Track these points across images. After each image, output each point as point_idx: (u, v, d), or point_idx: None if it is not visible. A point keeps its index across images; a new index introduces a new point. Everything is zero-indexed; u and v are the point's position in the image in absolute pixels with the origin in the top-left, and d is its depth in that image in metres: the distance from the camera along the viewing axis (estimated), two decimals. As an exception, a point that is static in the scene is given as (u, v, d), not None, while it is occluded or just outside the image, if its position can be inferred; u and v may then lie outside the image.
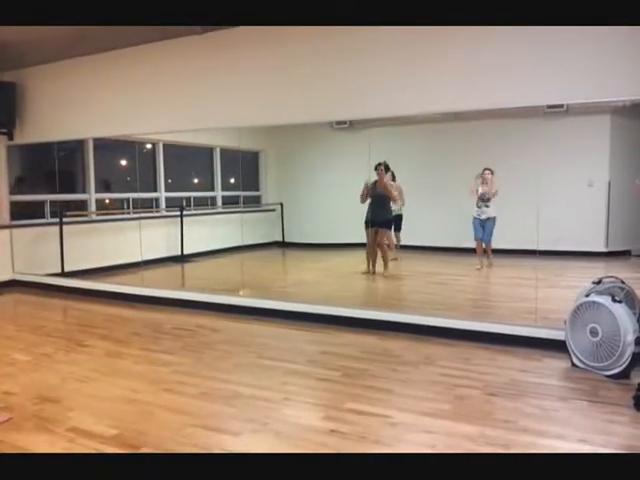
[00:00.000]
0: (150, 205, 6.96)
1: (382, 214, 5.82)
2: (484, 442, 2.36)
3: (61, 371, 3.38)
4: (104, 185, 7.16)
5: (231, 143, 6.10)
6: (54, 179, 6.47)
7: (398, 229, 6.26)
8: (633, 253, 5.35)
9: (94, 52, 5.41)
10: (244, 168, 6.59)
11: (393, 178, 5.99)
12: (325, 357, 3.62)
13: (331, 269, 6.87)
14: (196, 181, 7.95)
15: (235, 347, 3.88)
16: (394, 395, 2.92)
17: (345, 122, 5.21)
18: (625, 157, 5.34)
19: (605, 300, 3.16)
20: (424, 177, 6.36)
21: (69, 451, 2.33)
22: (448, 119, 5.41)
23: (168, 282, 6.33)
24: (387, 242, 5.99)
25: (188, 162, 7.57)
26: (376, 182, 5.75)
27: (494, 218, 5.68)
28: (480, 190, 5.66)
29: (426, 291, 5.60)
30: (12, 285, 6.29)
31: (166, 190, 6.97)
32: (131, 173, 6.62)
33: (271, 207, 7.40)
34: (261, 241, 7.17)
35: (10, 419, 2.66)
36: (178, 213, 7.02)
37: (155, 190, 6.90)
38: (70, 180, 6.95)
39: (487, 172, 5.62)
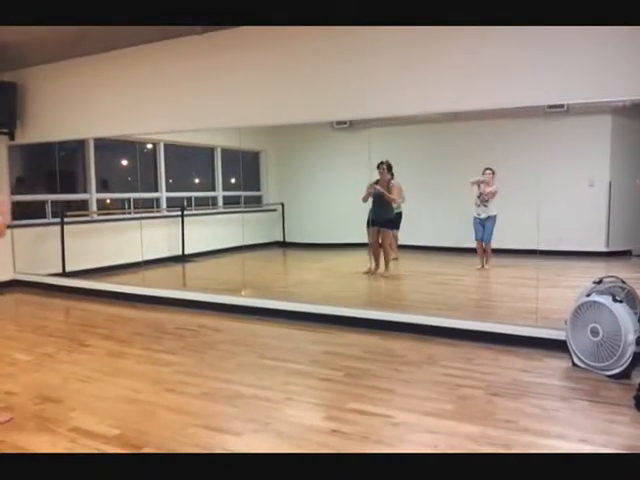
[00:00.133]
0: (151, 205, 6.96)
1: (384, 213, 5.83)
2: (485, 442, 2.36)
3: (63, 371, 3.39)
4: (105, 185, 7.17)
5: (232, 143, 6.10)
6: (55, 179, 6.47)
7: (396, 228, 6.26)
8: (634, 253, 5.35)
9: (94, 52, 5.42)
10: (245, 168, 6.59)
11: (391, 177, 5.99)
12: (327, 357, 3.62)
13: (332, 269, 6.87)
14: (197, 181, 7.96)
15: (237, 347, 3.88)
16: (396, 395, 2.93)
17: (345, 122, 5.21)
18: (626, 157, 5.33)
19: (606, 300, 3.16)
20: (424, 177, 6.36)
21: (71, 451, 2.33)
22: (448, 119, 5.41)
23: (169, 282, 6.34)
24: (389, 242, 5.99)
25: (189, 162, 7.58)
26: (378, 181, 5.76)
27: (494, 217, 5.68)
28: (480, 190, 5.67)
29: (427, 291, 5.60)
30: (13, 285, 6.30)
31: (167, 190, 6.98)
32: (132, 173, 6.62)
33: (272, 207, 7.41)
34: (262, 241, 7.18)
35: (11, 419, 2.66)
36: (179, 213, 7.03)
37: (156, 190, 6.91)
38: (71, 180, 6.96)
39: (488, 172, 5.63)
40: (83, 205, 6.72)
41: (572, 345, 3.33)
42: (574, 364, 3.31)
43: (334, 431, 2.50)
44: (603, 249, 5.47)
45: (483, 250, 5.81)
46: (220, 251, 6.90)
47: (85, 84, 5.63)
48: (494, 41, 3.71)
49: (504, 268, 5.97)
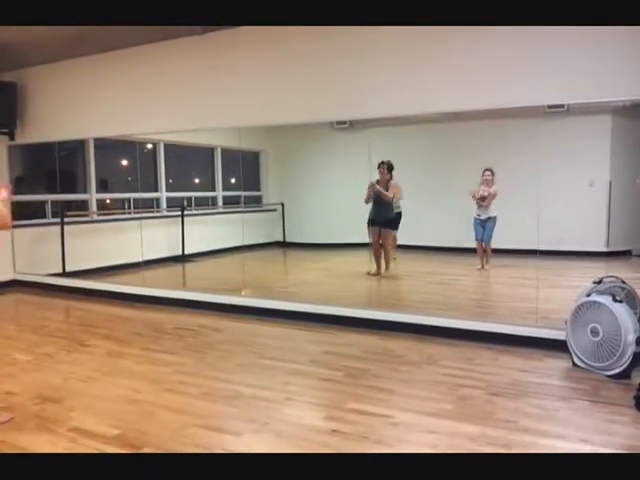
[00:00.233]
0: (151, 205, 6.96)
1: (384, 213, 5.83)
2: (485, 442, 2.36)
3: (62, 371, 3.39)
4: (105, 185, 7.16)
5: (232, 143, 6.10)
6: (55, 179, 6.47)
7: (396, 228, 6.26)
8: (634, 253, 5.34)
9: (94, 52, 5.42)
10: (245, 168, 6.59)
11: (390, 177, 5.99)
12: (327, 357, 3.62)
13: (332, 269, 6.87)
14: (197, 181, 7.95)
15: (237, 347, 3.88)
16: (396, 395, 2.93)
17: (345, 122, 5.21)
18: (626, 157, 5.33)
19: (606, 300, 3.16)
20: (424, 177, 6.36)
21: (71, 451, 2.33)
22: (448, 119, 5.41)
23: (169, 282, 6.33)
24: (390, 242, 5.99)
25: (189, 162, 7.58)
26: (378, 181, 5.76)
27: (494, 218, 5.68)
28: (480, 191, 5.67)
29: (427, 291, 5.60)
30: (13, 285, 6.30)
31: (167, 190, 6.98)
32: (132, 173, 6.62)
33: (272, 207, 7.41)
34: (262, 241, 7.18)
35: (11, 419, 2.66)
36: (179, 213, 7.03)
37: (156, 190, 6.91)
38: (71, 180, 6.95)
39: (487, 173, 5.63)
40: (83, 205, 6.72)
41: (572, 345, 3.33)
42: (574, 364, 3.31)
43: (334, 431, 2.50)
44: (603, 249, 5.47)
45: (483, 250, 5.81)
46: (220, 251, 6.90)
47: (85, 84, 5.63)
48: (494, 41, 3.71)
49: (504, 268, 5.97)
